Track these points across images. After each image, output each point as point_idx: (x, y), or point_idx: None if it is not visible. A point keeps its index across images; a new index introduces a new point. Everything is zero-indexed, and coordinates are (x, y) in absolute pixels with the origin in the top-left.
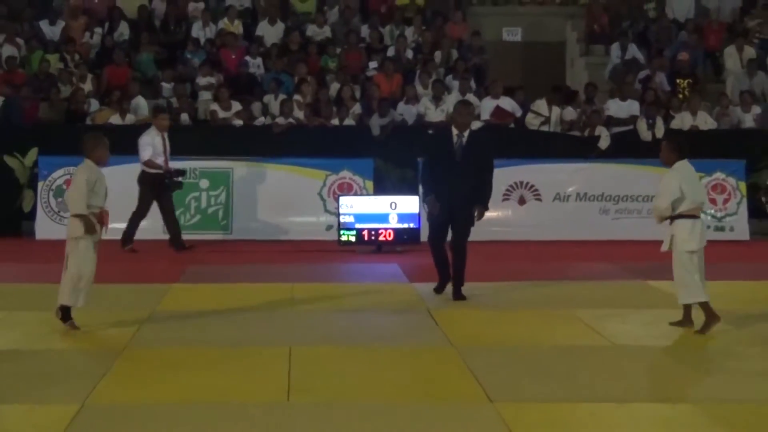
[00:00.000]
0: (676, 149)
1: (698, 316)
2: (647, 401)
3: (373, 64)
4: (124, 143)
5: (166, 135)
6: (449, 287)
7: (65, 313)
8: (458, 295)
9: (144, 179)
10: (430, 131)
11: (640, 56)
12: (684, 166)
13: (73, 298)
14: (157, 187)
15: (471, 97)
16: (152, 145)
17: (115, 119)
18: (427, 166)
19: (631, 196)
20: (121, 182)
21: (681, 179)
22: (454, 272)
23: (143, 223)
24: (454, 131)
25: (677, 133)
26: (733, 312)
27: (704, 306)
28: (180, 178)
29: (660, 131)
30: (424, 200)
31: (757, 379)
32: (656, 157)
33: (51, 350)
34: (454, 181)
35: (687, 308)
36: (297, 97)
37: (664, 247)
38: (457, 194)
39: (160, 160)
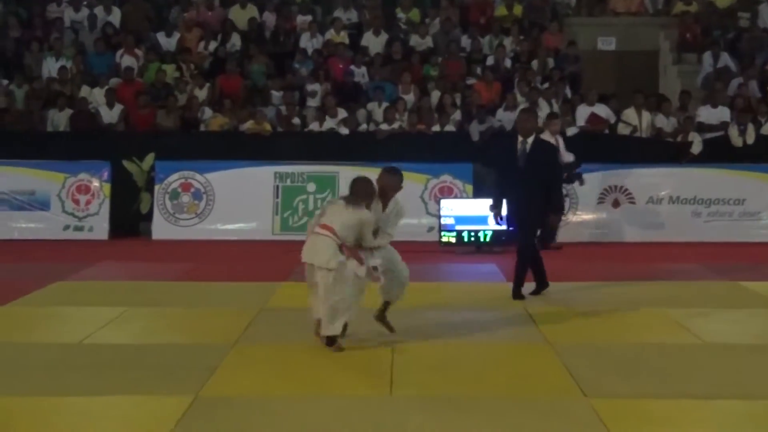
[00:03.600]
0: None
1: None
2: (735, 398)
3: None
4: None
5: (558, 137)
6: (546, 290)
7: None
8: (517, 295)
9: None
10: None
11: (732, 64)
12: None
13: (337, 327)
14: None
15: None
16: None
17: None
18: (497, 174)
19: (723, 199)
20: (230, 185)
21: None
22: (516, 272)
23: (252, 225)
24: (519, 138)
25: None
26: None
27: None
28: (577, 170)
29: (751, 137)
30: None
31: None
32: (747, 162)
33: (167, 344)
34: (520, 186)
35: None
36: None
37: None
38: (522, 199)
39: None
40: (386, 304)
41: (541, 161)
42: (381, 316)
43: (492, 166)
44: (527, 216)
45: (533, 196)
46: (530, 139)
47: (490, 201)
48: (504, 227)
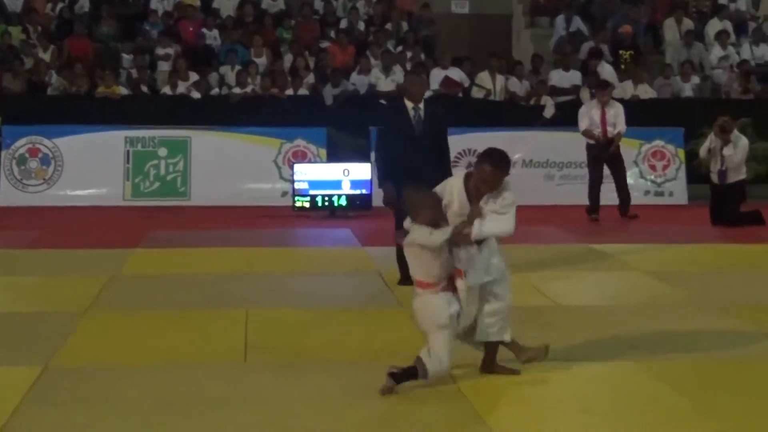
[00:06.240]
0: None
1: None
2: (590, 360)
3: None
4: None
5: (607, 108)
6: None
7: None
8: (406, 280)
9: (586, 149)
10: (382, 101)
11: (584, 28)
12: None
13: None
14: (600, 155)
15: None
16: (588, 116)
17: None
18: (383, 144)
19: (575, 162)
20: (79, 150)
21: None
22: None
23: (103, 191)
24: (409, 104)
25: None
26: (671, 273)
27: None
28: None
29: None
30: (380, 185)
31: (693, 336)
32: None
33: (14, 313)
34: (416, 158)
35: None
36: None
37: None
38: (419, 173)
39: (597, 131)
40: None
41: (437, 129)
42: None
43: (380, 135)
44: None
45: (428, 167)
46: (421, 105)
47: (343, 165)
48: (363, 191)
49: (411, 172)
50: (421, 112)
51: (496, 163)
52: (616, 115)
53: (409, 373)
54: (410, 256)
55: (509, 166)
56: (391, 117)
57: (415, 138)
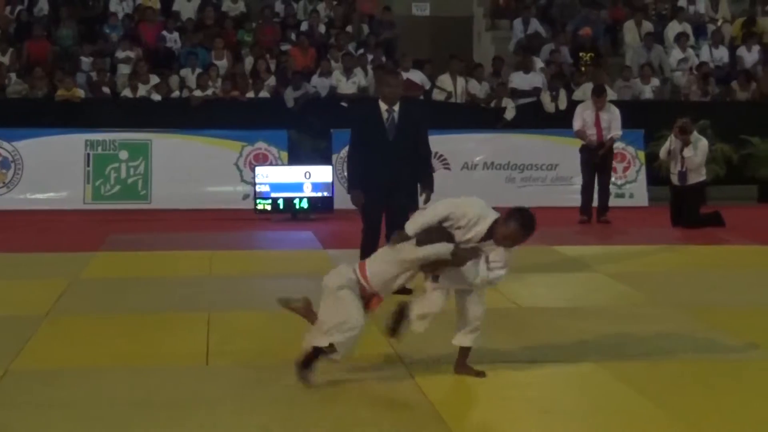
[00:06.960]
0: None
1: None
2: (551, 361)
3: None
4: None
5: (602, 112)
6: None
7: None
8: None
9: (580, 152)
10: (343, 103)
11: (542, 30)
12: None
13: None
14: (591, 158)
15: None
16: (582, 117)
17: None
18: (355, 148)
19: (536, 164)
20: (39, 153)
21: None
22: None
23: (63, 194)
24: (383, 106)
25: None
26: (632, 275)
27: None
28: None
29: (563, 103)
30: (348, 191)
31: (653, 337)
32: (559, 128)
33: None
34: (388, 163)
35: None
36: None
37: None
38: (391, 179)
39: (590, 133)
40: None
41: (413, 132)
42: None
43: (352, 138)
44: (397, 197)
45: (402, 173)
46: (396, 107)
47: (305, 168)
48: (325, 194)
49: (385, 179)
50: (396, 115)
51: (526, 226)
52: (611, 119)
53: (312, 356)
54: (385, 252)
55: (534, 232)
56: (362, 120)
57: (389, 143)
